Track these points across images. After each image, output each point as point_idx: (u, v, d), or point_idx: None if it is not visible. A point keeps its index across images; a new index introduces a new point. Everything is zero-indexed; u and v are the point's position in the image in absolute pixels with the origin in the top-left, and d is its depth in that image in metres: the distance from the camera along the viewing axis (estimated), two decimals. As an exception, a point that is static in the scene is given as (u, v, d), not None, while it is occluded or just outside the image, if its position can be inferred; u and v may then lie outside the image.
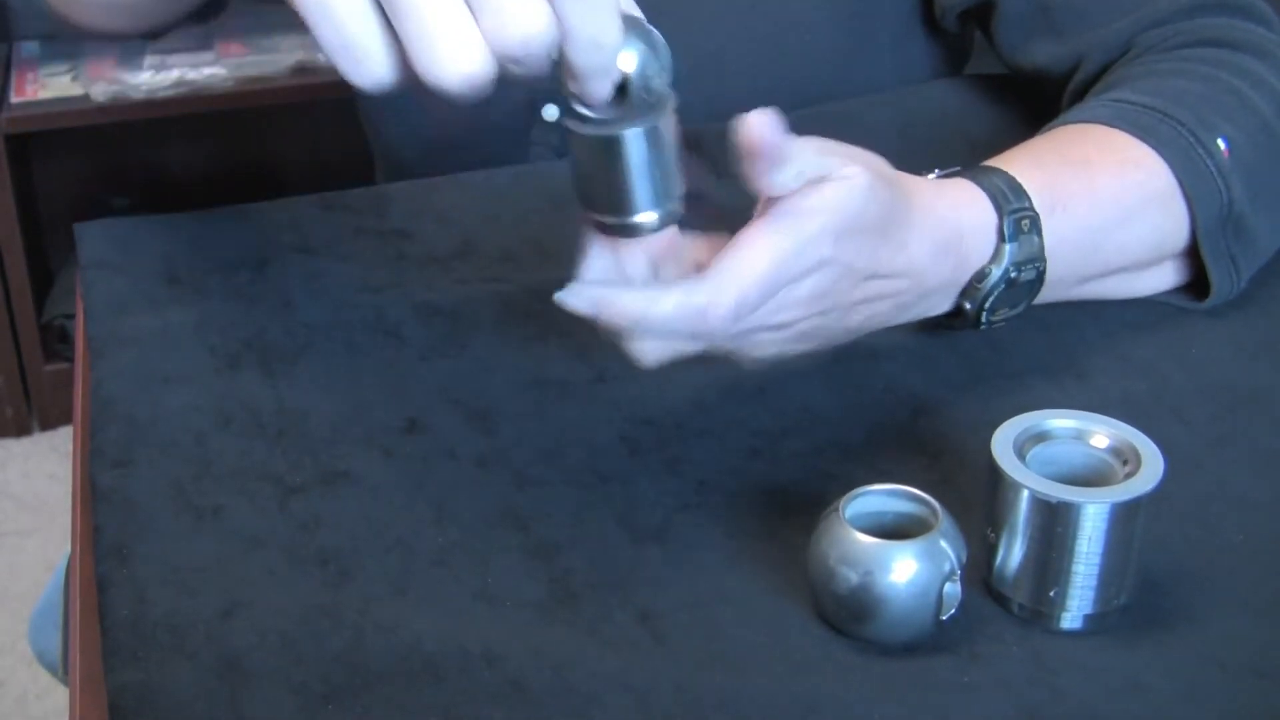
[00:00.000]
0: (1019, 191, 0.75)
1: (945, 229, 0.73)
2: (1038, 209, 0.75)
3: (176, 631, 0.60)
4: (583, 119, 0.62)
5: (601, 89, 0.60)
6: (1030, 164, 0.77)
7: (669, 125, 0.63)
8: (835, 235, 0.65)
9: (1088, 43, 0.92)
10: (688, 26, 1.03)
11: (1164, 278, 0.82)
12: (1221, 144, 0.79)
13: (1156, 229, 0.79)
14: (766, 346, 0.68)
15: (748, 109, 1.00)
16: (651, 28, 0.62)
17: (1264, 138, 0.81)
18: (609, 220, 0.64)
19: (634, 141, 0.62)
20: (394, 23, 0.56)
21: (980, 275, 0.74)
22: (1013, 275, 0.74)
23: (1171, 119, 0.80)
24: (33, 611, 1.26)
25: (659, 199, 0.64)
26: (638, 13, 0.63)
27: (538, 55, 0.56)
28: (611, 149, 0.62)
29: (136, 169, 2.61)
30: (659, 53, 0.62)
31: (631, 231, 0.64)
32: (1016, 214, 0.74)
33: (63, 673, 1.07)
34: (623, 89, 0.62)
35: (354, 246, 0.88)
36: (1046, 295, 0.78)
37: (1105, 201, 0.78)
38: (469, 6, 0.55)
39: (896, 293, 0.71)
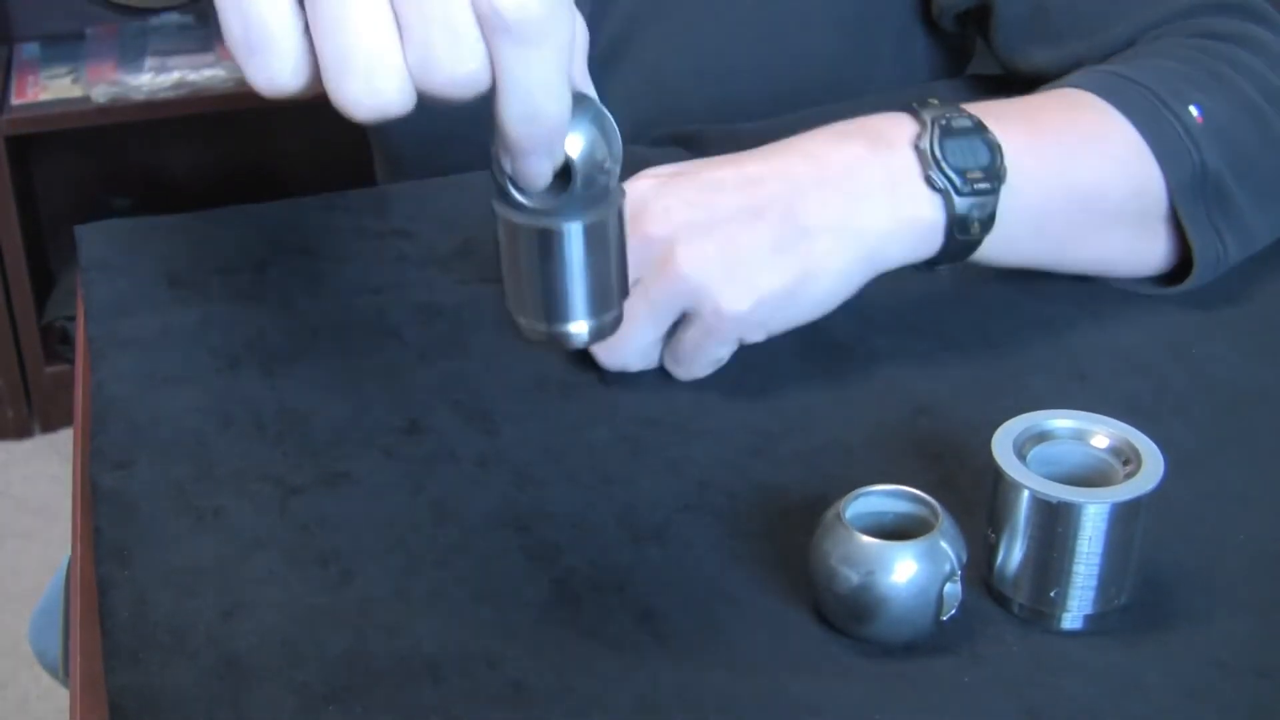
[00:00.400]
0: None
1: (830, 131, 0.76)
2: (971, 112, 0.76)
3: (177, 632, 0.60)
4: (514, 203, 0.55)
5: (538, 170, 0.53)
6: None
7: (614, 224, 0.56)
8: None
9: (1087, 46, 0.92)
10: (690, 27, 1.03)
11: (1157, 246, 0.81)
12: (1194, 110, 0.79)
13: (1127, 170, 0.79)
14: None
15: (750, 109, 1.01)
16: (605, 110, 0.55)
17: (1247, 116, 0.81)
18: (535, 326, 0.57)
19: (571, 238, 0.55)
20: (312, 32, 0.49)
21: (916, 140, 0.74)
22: (944, 123, 0.74)
23: (1138, 84, 0.80)
24: (33, 612, 1.26)
25: (593, 308, 0.56)
26: (591, 91, 0.56)
27: (466, 100, 0.50)
28: (545, 243, 0.55)
29: (137, 170, 2.61)
30: (610, 140, 0.54)
31: (558, 342, 0.57)
32: (922, 101, 0.76)
33: (63, 674, 1.07)
34: (564, 175, 0.54)
35: (354, 247, 0.88)
36: (1038, 234, 0.78)
37: (1053, 123, 0.78)
38: (398, 31, 0.49)
39: (796, 184, 0.73)
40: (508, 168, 0.53)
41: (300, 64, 0.50)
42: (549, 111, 0.50)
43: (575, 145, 0.53)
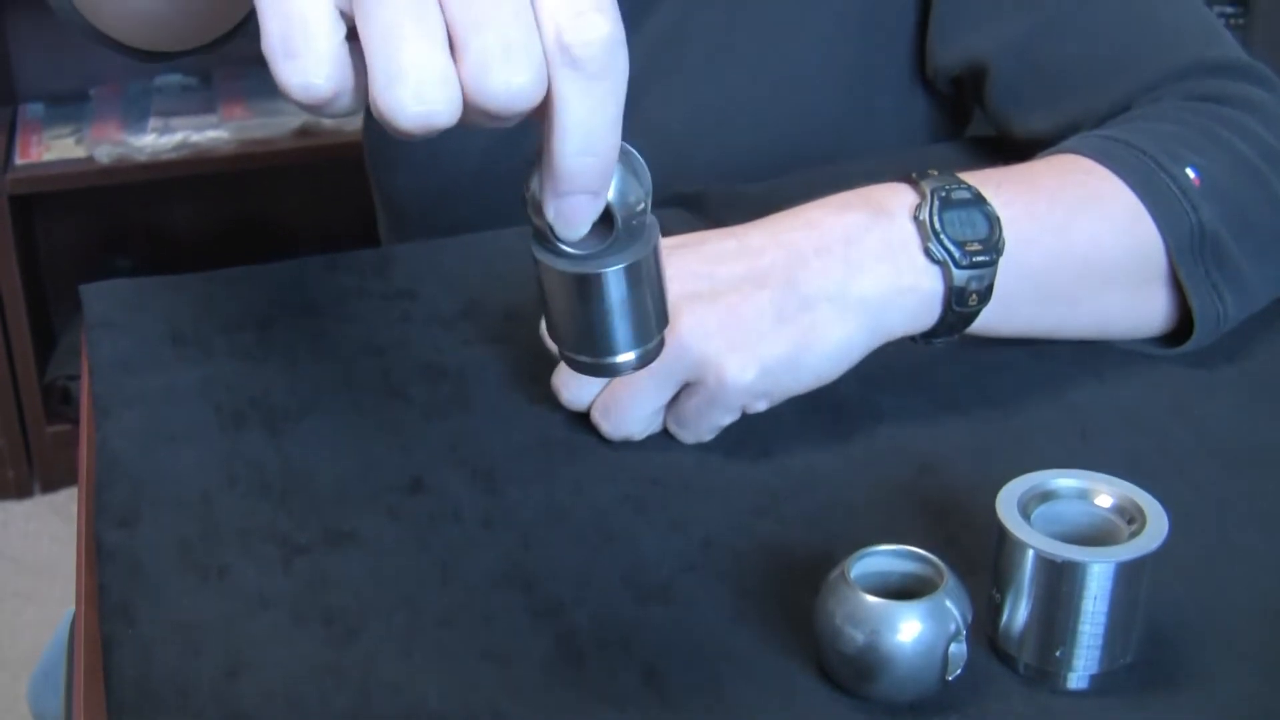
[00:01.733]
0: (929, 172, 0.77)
1: (831, 201, 0.76)
2: (968, 182, 0.76)
3: (182, 691, 0.60)
4: (554, 249, 0.55)
5: (584, 213, 0.53)
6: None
7: (651, 260, 0.56)
8: None
9: (1083, 109, 0.92)
10: (691, 88, 1.04)
11: (1157, 308, 0.81)
12: (1191, 173, 0.80)
13: (1126, 233, 0.79)
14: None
15: (751, 169, 1.01)
16: (630, 147, 0.54)
17: (1245, 177, 0.82)
18: (578, 359, 0.58)
19: (613, 280, 0.55)
20: (362, 38, 0.49)
21: (915, 212, 0.75)
22: (943, 194, 0.74)
23: (1134, 148, 0.81)
24: (32, 674, 1.26)
25: (638, 339, 0.57)
26: None
27: (515, 115, 0.50)
28: (587, 287, 0.55)
29: (140, 230, 2.62)
30: (641, 177, 0.54)
31: (606, 371, 0.58)
32: (922, 171, 0.76)
33: (64, 734, 1.06)
34: (603, 219, 0.54)
35: (358, 307, 0.88)
36: (1036, 300, 0.78)
37: (1050, 188, 0.79)
38: (451, 41, 0.49)
39: (796, 253, 0.73)
40: (550, 216, 0.53)
41: (337, 68, 0.50)
42: (604, 147, 0.51)
43: (610, 191, 0.54)
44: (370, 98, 0.50)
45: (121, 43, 0.83)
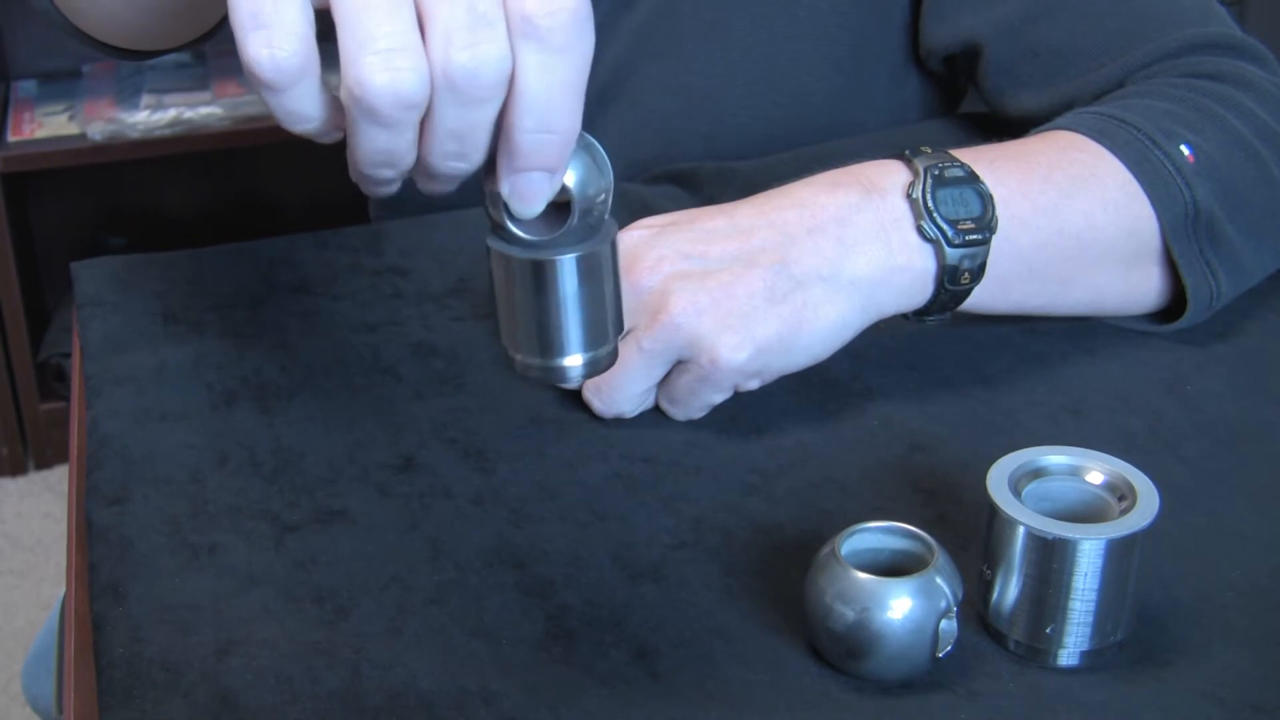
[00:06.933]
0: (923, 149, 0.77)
1: (822, 179, 0.76)
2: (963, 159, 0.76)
3: (172, 670, 0.59)
4: (510, 237, 0.55)
5: (538, 189, 0.53)
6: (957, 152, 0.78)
7: (607, 256, 0.56)
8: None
9: (1077, 88, 0.92)
10: (684, 68, 1.03)
11: (1150, 285, 0.81)
12: (1185, 150, 0.79)
13: (1120, 211, 0.79)
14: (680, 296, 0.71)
15: (744, 148, 1.01)
16: (595, 141, 0.55)
17: (1239, 154, 0.81)
18: (529, 361, 0.57)
19: (568, 269, 0.55)
20: (334, 11, 0.50)
21: (908, 190, 0.74)
22: (936, 172, 0.74)
23: (1128, 125, 0.81)
24: (26, 658, 1.26)
25: (587, 342, 0.57)
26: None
27: (481, 89, 0.50)
28: (539, 275, 0.55)
29: (133, 208, 2.62)
30: (603, 170, 0.55)
31: (553, 377, 0.57)
32: (915, 149, 0.76)
33: (57, 713, 1.06)
34: (560, 207, 0.54)
35: (350, 284, 0.88)
36: (1029, 278, 0.78)
37: (1044, 166, 0.79)
38: (419, 17, 0.50)
39: (788, 232, 0.73)
40: (505, 192, 0.53)
41: (305, 42, 0.50)
42: (562, 124, 0.51)
43: (570, 176, 0.54)
44: (341, 74, 0.50)
45: (101, 40, 0.83)
